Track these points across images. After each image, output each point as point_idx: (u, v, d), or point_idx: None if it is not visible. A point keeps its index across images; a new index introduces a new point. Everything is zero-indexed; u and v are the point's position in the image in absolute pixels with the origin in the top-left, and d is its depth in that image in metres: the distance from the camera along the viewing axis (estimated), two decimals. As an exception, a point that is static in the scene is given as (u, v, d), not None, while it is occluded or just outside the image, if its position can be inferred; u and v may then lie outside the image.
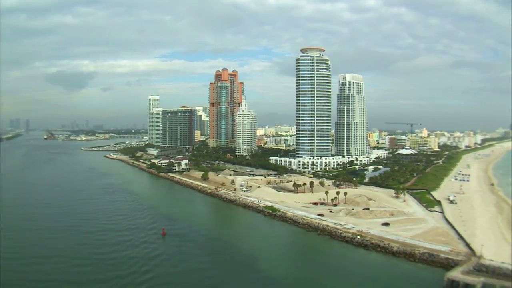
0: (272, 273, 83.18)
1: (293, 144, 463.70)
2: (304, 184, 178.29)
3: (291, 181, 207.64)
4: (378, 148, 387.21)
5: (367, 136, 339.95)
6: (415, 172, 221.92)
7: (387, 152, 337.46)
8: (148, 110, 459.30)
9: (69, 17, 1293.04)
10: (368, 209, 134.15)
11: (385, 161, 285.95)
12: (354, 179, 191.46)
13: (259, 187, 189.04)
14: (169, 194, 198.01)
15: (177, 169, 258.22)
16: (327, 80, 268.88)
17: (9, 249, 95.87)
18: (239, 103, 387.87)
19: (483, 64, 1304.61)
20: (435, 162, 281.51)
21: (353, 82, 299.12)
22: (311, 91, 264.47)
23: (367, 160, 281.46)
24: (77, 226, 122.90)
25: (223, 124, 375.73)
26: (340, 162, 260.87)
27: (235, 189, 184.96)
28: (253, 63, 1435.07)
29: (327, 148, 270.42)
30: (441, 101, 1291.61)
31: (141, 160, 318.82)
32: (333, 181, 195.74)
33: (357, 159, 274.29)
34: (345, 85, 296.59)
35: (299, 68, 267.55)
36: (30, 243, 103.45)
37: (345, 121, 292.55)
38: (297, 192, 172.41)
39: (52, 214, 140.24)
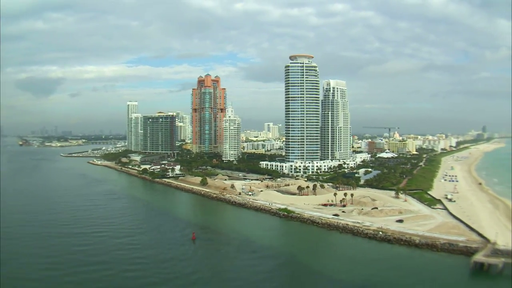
0: (336, 275, 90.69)
1: (271, 149, 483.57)
2: (308, 187, 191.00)
3: (288, 184, 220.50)
4: (356, 152, 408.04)
5: (350, 141, 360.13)
6: (404, 174, 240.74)
7: (369, 155, 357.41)
8: (126, 116, 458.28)
9: (40, 23, 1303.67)
10: (376, 208, 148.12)
11: (371, 164, 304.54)
12: (352, 181, 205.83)
13: (261, 191, 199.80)
14: (176, 200, 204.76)
15: (170, 175, 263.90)
16: (316, 86, 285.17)
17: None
18: (221, 109, 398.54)
19: (453, 67, 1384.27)
20: (419, 164, 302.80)
21: (337, 88, 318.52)
22: (300, 97, 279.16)
23: (354, 163, 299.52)
24: (106, 232, 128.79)
25: (206, 130, 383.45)
26: (331, 165, 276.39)
27: (239, 193, 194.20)
28: (218, 68, 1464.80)
29: (316, 152, 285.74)
30: (409, 104, 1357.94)
31: (130, 166, 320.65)
32: (332, 184, 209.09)
33: (344, 163, 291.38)
34: (329, 90, 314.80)
35: (288, 75, 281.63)
36: (71, 250, 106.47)
37: (330, 126, 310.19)
38: (301, 195, 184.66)
39: (71, 219, 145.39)
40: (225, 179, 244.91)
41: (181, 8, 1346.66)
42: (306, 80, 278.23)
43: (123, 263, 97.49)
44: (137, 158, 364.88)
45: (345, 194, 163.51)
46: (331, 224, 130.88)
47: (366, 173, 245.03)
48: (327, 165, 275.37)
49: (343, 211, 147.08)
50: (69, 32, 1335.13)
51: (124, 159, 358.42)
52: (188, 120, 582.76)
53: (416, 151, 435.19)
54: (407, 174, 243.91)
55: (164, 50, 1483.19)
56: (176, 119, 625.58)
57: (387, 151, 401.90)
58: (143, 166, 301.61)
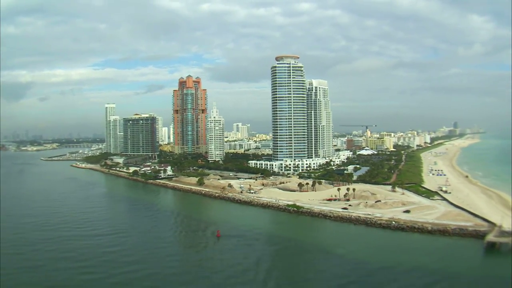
0: (374, 262, 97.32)
1: (250, 149, 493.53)
2: (307, 183, 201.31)
3: (283, 182, 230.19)
4: (335, 150, 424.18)
5: (332, 139, 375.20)
6: (392, 170, 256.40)
7: (351, 153, 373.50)
8: (105, 119, 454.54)
9: (11, 27, 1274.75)
10: (379, 201, 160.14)
11: (356, 161, 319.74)
12: (348, 177, 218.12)
13: (261, 189, 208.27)
14: (180, 200, 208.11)
15: (163, 176, 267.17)
16: (302, 86, 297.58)
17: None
18: (202, 110, 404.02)
19: (421, 64, 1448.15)
20: (402, 160, 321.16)
21: (320, 88, 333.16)
22: (287, 97, 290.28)
23: (339, 161, 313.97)
24: (129, 232, 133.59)
25: (189, 131, 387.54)
26: (319, 163, 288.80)
27: (241, 192, 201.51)
28: (183, 69, 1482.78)
29: (304, 151, 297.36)
30: (376, 102, 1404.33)
31: (117, 169, 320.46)
32: (328, 180, 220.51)
33: (331, 160, 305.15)
34: (312, 90, 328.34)
35: (275, 75, 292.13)
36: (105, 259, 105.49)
37: (313, 124, 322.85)
38: (301, 191, 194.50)
39: (94, 222, 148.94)
40: (218, 179, 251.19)
41: (149, 9, 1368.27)
42: (293, 80, 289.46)
43: (163, 260, 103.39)
44: (119, 160, 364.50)
45: (348, 189, 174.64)
46: (343, 216, 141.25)
47: (356, 169, 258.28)
48: (316, 163, 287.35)
49: (349, 205, 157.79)
50: (39, 36, 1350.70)
51: (108, 162, 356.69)
52: (160, 122, 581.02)
53: (393, 147, 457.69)
54: (394, 169, 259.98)
55: (131, 52, 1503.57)
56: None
57: (366, 148, 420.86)
58: (132, 168, 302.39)
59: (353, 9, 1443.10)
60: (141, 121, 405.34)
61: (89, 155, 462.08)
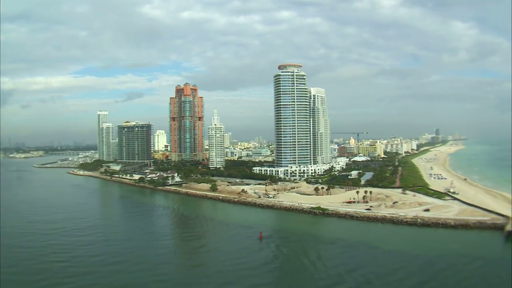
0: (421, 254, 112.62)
1: (242, 156, 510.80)
2: (322, 188, 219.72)
3: (294, 187, 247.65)
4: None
5: (329, 145, 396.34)
6: (394, 175, 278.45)
7: (347, 159, 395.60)
8: (97, 126, 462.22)
9: None
10: (397, 202, 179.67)
11: (354, 167, 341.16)
12: (358, 181, 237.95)
13: (278, 193, 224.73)
14: (202, 206, 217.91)
15: (171, 182, 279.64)
16: (305, 94, 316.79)
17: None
18: (199, 117, 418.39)
19: (401, 71, 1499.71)
20: (398, 166, 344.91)
21: (318, 96, 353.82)
22: (291, 104, 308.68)
23: (340, 167, 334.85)
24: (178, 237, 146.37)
25: (187, 138, 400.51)
26: (324, 169, 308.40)
27: (259, 197, 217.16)
28: (162, 77, 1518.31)
29: (307, 157, 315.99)
30: (355, 110, 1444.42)
31: (118, 176, 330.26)
32: (339, 185, 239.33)
33: (332, 167, 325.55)
34: (310, 98, 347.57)
35: (279, 83, 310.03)
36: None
37: (311, 131, 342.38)
38: (318, 195, 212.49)
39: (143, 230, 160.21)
40: (227, 185, 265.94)
41: (131, 17, 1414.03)
42: (297, 88, 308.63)
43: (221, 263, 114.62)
44: (116, 167, 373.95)
45: (366, 192, 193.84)
46: (370, 216, 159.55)
47: (360, 175, 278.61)
48: (321, 169, 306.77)
49: (371, 206, 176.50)
50: (21, 43, 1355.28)
51: (108, 169, 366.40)
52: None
53: (384, 154, 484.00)
54: (395, 174, 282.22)
55: (111, 60, 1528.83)
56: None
57: (360, 155, 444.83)
58: (136, 176, 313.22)
59: (333, 17, 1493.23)
60: (136, 129, 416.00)
61: (81, 162, 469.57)
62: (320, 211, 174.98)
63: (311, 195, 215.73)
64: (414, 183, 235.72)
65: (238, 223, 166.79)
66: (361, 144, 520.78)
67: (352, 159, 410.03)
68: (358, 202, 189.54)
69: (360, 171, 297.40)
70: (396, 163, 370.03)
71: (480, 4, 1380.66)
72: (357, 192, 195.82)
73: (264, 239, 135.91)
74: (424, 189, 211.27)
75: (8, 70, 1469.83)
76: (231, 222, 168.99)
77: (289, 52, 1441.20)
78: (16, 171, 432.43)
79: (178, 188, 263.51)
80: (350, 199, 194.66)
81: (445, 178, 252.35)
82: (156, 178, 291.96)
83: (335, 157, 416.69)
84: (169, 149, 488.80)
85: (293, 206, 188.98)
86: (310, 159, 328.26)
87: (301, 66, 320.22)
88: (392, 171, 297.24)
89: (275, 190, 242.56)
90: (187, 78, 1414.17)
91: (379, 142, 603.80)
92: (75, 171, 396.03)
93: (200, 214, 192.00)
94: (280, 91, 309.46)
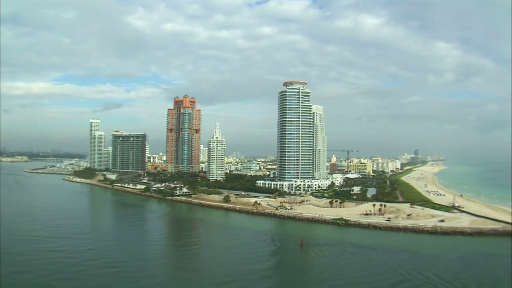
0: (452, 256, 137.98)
1: (233, 170, 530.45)
2: (336, 201, 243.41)
3: (303, 200, 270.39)
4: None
5: (326, 162, 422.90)
6: (394, 191, 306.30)
7: (342, 176, 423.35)
8: (89, 134, 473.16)
9: None
10: (411, 214, 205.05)
11: (352, 183, 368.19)
12: (367, 196, 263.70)
13: (298, 205, 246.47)
14: (228, 217, 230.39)
15: (178, 193, 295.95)
16: (310, 110, 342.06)
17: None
18: (196, 130, 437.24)
19: (381, 91, 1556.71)
20: (393, 183, 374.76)
21: (317, 113, 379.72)
22: (296, 121, 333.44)
23: (339, 182, 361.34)
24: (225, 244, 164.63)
25: (185, 150, 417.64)
26: (327, 184, 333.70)
27: (276, 208, 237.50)
28: (140, 89, 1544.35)
29: (310, 172, 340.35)
30: (332, 129, 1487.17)
31: (120, 185, 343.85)
32: (348, 199, 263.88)
33: (332, 183, 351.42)
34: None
35: (285, 100, 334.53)
36: None
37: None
38: (332, 208, 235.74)
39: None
40: (236, 197, 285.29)
41: (117, 27, 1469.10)
42: (302, 105, 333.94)
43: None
44: (112, 176, 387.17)
45: (381, 205, 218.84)
46: (393, 226, 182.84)
47: (362, 190, 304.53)
48: (324, 184, 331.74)
49: (389, 218, 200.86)
50: (6, 47, 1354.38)
51: (108, 177, 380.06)
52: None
53: (373, 172, 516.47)
54: (395, 191, 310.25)
55: (92, 69, 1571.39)
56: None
57: (352, 172, 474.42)
58: (138, 186, 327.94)
59: (314, 34, 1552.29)
60: (131, 138, 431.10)
61: (75, 169, 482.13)
62: (343, 222, 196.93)
63: (326, 207, 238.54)
64: (417, 198, 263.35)
65: (274, 232, 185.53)
66: (350, 162, 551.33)
67: (345, 176, 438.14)
68: (374, 214, 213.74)
69: (361, 187, 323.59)
70: (387, 181, 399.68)
71: (465, 24, 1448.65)
72: (374, 205, 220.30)
73: (304, 246, 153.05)
74: (430, 204, 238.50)
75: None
76: (265, 232, 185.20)
77: (268, 68, 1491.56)
78: (10, 174, 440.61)
79: (189, 199, 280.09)
80: (366, 211, 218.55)
81: (444, 195, 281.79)
82: (163, 188, 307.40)
83: (330, 174, 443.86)
84: (158, 160, 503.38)
85: (315, 217, 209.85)
86: (312, 174, 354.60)
87: (306, 84, 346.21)
88: (392, 188, 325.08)
89: (285, 202, 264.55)
90: (165, 90, 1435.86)
91: (368, 160, 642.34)
92: (71, 178, 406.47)
93: (234, 225, 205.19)
94: (285, 107, 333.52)
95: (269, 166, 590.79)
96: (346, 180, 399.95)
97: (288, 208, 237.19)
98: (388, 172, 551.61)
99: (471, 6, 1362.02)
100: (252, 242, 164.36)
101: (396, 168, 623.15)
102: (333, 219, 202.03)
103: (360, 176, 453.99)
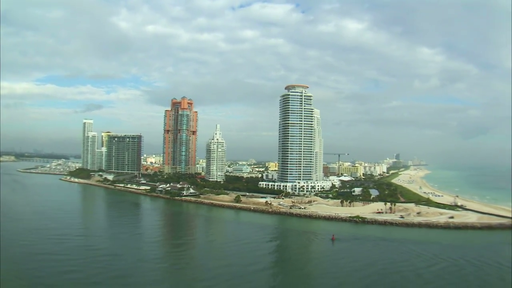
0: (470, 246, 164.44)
1: (227, 171, 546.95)
2: (347, 200, 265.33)
3: (310, 201, 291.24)
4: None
5: (322, 164, 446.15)
6: (393, 192, 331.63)
7: (338, 178, 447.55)
8: (82, 134, 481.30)
9: None
10: (420, 212, 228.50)
11: (348, 185, 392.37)
12: (370, 196, 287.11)
13: (310, 204, 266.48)
14: (250, 216, 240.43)
15: (185, 193, 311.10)
16: (311, 114, 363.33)
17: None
18: (193, 132, 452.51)
19: (361, 95, 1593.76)
20: (390, 185, 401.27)
21: (315, 116, 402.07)
22: (299, 123, 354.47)
23: (338, 184, 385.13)
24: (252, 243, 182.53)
25: (183, 151, 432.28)
26: (330, 185, 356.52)
27: (290, 208, 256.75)
28: (120, 91, 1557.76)
29: (310, 174, 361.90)
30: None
31: (123, 185, 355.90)
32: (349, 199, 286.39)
33: (333, 184, 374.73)
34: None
35: (288, 103, 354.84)
36: None
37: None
38: (343, 207, 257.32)
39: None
40: (245, 197, 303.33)
41: (103, 28, 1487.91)
42: (304, 109, 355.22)
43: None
44: (109, 177, 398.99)
45: (391, 203, 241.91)
46: (408, 223, 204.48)
47: (364, 191, 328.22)
48: (327, 185, 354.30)
49: (401, 215, 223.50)
50: None
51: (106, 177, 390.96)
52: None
53: (363, 175, 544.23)
54: (394, 191, 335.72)
55: (75, 69, 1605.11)
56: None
57: (345, 175, 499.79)
58: (143, 187, 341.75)
59: (296, 39, 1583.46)
60: (127, 139, 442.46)
61: (61, 170, 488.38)
62: (360, 219, 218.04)
63: (334, 207, 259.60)
64: (417, 199, 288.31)
65: (300, 230, 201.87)
66: (341, 165, 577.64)
67: (339, 179, 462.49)
68: (386, 212, 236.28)
69: (362, 188, 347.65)
70: (382, 184, 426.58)
71: (449, 30, 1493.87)
72: (385, 204, 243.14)
73: (336, 240, 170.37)
74: (433, 203, 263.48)
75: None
76: (293, 229, 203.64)
77: (249, 72, 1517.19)
78: (6, 174, 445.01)
79: (198, 199, 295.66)
80: (378, 210, 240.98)
81: (442, 196, 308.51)
82: (170, 188, 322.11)
83: (325, 176, 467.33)
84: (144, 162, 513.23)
85: (331, 215, 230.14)
86: (313, 176, 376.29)
87: (308, 87, 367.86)
88: (390, 190, 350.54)
89: (293, 202, 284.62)
90: (146, 92, 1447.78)
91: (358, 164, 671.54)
92: (68, 178, 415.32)
93: (262, 224, 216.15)
94: (288, 110, 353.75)
95: (257, 169, 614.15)
96: (342, 182, 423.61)
97: (302, 207, 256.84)
98: (377, 175, 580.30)
99: (456, 12, 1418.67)
100: (288, 237, 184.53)
101: (383, 172, 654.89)
102: (349, 217, 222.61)
103: (353, 178, 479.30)
